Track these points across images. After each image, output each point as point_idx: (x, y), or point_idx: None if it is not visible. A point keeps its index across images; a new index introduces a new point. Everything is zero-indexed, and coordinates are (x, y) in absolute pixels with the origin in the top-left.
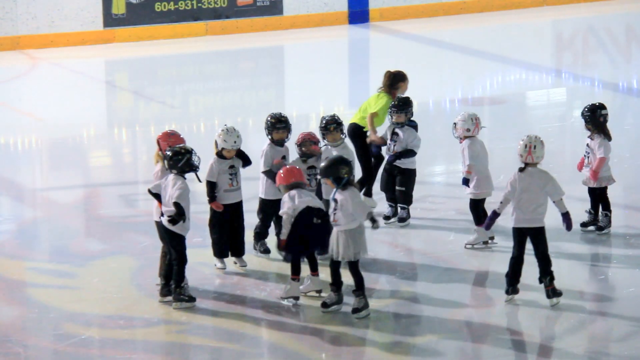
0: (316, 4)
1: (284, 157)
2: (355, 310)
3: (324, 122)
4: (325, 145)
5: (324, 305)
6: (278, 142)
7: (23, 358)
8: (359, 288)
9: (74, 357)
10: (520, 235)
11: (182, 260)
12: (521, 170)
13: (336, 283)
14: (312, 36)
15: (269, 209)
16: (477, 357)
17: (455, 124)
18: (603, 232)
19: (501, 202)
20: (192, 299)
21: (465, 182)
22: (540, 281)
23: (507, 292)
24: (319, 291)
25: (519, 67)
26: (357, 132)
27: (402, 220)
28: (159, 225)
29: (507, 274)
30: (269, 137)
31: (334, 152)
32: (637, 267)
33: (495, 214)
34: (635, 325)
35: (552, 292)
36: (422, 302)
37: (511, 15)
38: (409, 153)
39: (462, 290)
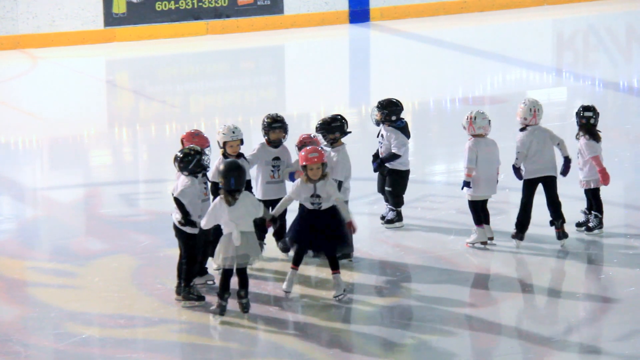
0: (317, 3)
1: (278, 158)
2: (212, 311)
3: (326, 122)
4: (324, 146)
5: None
6: (274, 143)
7: (23, 357)
8: (218, 293)
9: (74, 357)
10: (531, 185)
11: (191, 259)
12: (522, 130)
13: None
14: (313, 35)
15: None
16: (478, 357)
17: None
18: (592, 232)
19: (517, 159)
20: (201, 298)
21: (466, 184)
22: (552, 224)
23: (519, 239)
24: (344, 291)
25: (519, 67)
26: None
27: (389, 222)
28: (173, 223)
29: (517, 222)
30: (266, 137)
31: (333, 154)
32: (637, 267)
33: (516, 168)
34: (635, 325)
35: (563, 235)
36: (422, 301)
37: (511, 15)
38: (392, 157)
39: (462, 289)
